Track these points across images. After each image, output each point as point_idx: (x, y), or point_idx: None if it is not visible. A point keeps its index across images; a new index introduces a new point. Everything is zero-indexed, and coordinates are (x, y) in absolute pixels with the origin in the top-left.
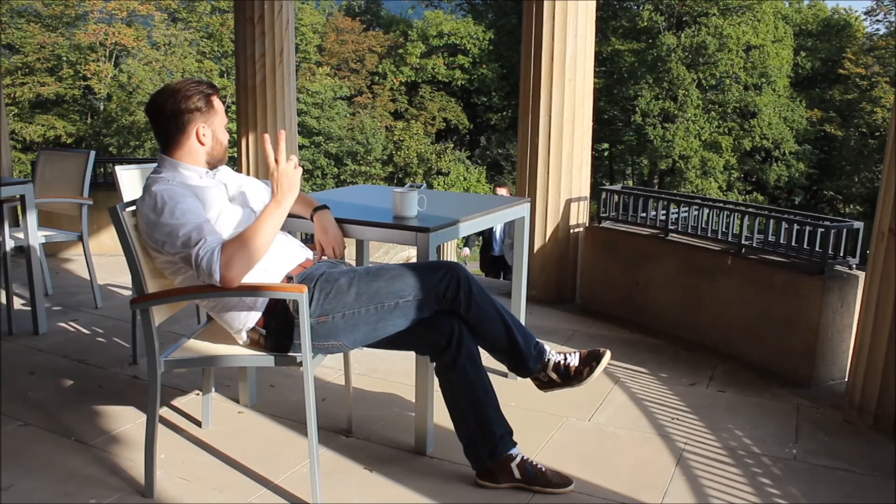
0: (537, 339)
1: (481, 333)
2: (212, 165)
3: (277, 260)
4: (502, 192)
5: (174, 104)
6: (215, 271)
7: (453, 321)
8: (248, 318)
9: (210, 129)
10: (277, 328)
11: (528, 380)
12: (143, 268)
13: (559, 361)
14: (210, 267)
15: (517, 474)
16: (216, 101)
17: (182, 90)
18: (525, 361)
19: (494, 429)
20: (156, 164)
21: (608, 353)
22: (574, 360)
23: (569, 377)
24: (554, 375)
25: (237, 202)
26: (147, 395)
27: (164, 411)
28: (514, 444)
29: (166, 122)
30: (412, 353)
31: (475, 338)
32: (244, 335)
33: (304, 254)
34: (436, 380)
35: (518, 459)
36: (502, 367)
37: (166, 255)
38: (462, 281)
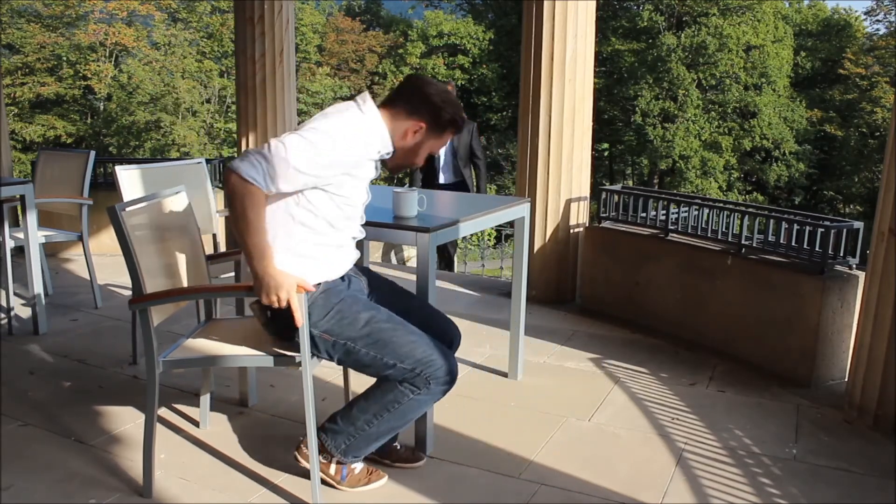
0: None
1: None
2: (390, 159)
3: (347, 245)
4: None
5: (434, 97)
6: (241, 172)
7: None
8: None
9: (421, 139)
10: (287, 313)
11: (526, 381)
12: (141, 268)
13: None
14: (248, 166)
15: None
16: (446, 135)
17: (452, 101)
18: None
19: (374, 445)
20: (341, 105)
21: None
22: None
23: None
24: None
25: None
26: (146, 395)
27: (163, 411)
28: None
29: (414, 97)
30: None
31: None
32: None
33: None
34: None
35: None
36: (502, 367)
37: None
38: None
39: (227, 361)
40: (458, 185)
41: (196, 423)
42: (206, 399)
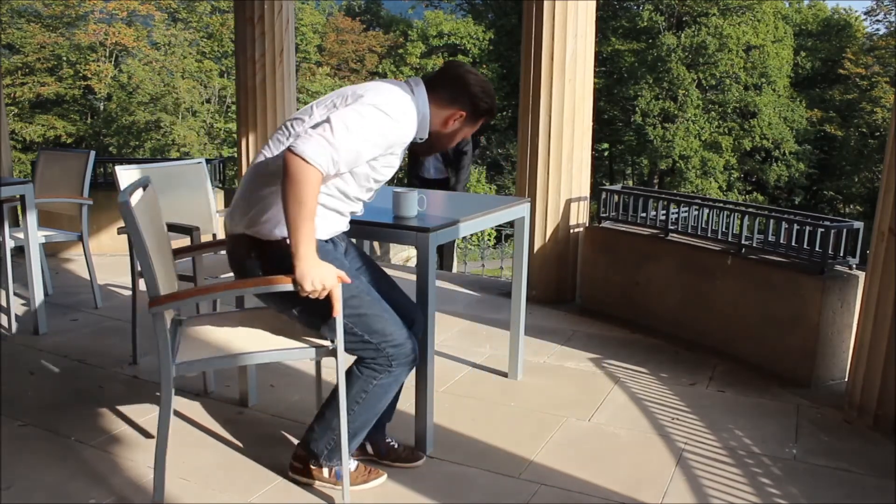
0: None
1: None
2: (422, 143)
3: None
4: None
5: (475, 86)
6: (302, 152)
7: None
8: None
9: (459, 126)
10: (318, 302)
11: (526, 381)
12: (156, 268)
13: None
14: (315, 151)
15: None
16: (479, 123)
17: (490, 91)
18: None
19: (356, 440)
20: (396, 82)
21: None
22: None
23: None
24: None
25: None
26: (160, 401)
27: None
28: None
29: (456, 85)
30: None
31: None
32: (277, 232)
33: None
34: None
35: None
36: (502, 367)
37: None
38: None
39: (259, 358)
40: (443, 183)
41: (196, 424)
42: (206, 399)
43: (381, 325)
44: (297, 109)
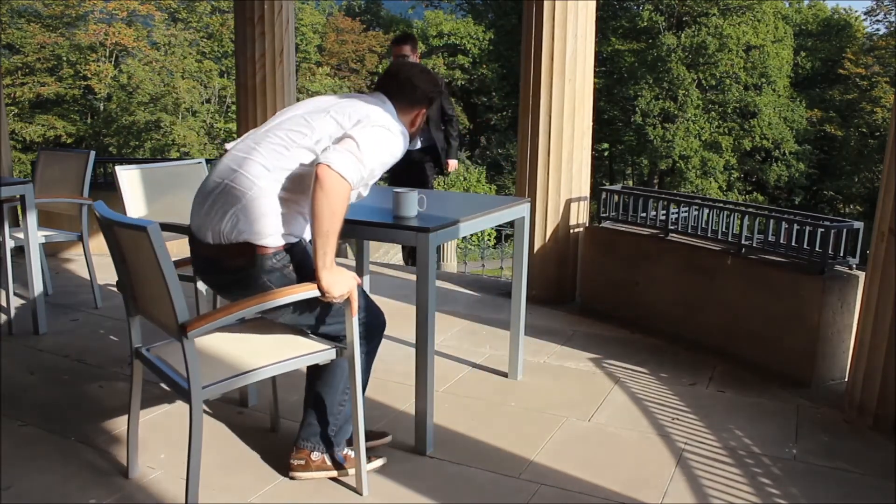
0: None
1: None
2: None
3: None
4: None
5: (423, 84)
6: (336, 166)
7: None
8: (288, 226)
9: (422, 118)
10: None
11: (526, 381)
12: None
13: (342, 453)
14: (340, 166)
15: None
16: (434, 105)
17: (432, 78)
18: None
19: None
20: (373, 99)
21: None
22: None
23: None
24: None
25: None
26: (191, 427)
27: (162, 411)
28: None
29: (407, 89)
30: (411, 354)
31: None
32: (275, 239)
33: None
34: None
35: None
36: (502, 367)
37: (327, 137)
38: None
39: (280, 368)
40: (429, 150)
41: None
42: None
43: (362, 300)
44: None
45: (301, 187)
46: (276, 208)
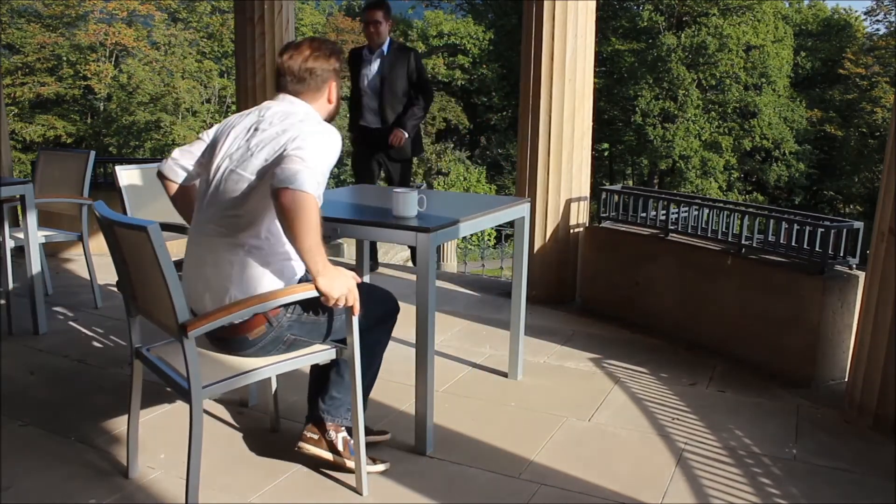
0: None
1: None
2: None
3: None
4: None
5: (320, 62)
6: (299, 186)
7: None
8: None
9: (338, 88)
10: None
11: (526, 381)
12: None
13: (343, 438)
14: (303, 183)
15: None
16: (339, 64)
17: (324, 47)
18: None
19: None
20: (281, 104)
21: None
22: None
23: (335, 453)
24: (321, 443)
25: None
26: (191, 427)
27: (162, 411)
28: None
29: (304, 74)
30: (411, 354)
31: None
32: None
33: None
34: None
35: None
36: (502, 367)
37: (275, 162)
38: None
39: (280, 368)
40: (385, 131)
41: None
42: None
43: (371, 293)
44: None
45: (268, 232)
46: (263, 270)
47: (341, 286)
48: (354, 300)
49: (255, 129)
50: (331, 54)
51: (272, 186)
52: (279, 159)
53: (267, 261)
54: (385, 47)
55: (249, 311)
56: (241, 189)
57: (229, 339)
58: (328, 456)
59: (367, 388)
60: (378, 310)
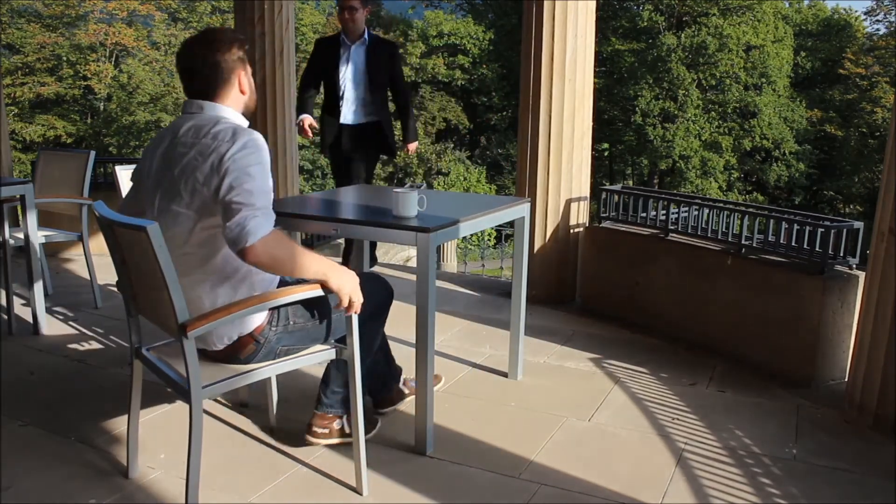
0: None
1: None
2: (247, 117)
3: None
4: None
5: (224, 54)
6: (253, 236)
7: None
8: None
9: (246, 76)
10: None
11: (526, 381)
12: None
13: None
14: (255, 230)
15: (407, 391)
16: (246, 57)
17: (220, 39)
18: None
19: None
20: (193, 118)
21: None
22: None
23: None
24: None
25: None
26: (191, 430)
27: (162, 411)
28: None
29: (207, 70)
30: (412, 354)
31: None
32: (258, 314)
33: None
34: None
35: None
36: (502, 367)
37: (213, 202)
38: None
39: (279, 368)
40: (373, 128)
41: None
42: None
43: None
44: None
45: (225, 260)
46: (239, 293)
47: (351, 282)
48: (359, 297)
49: (175, 156)
50: (232, 42)
51: (231, 247)
52: (219, 204)
53: (238, 286)
54: (366, 36)
55: (250, 310)
56: (183, 226)
57: (221, 360)
58: (338, 441)
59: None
60: (368, 305)
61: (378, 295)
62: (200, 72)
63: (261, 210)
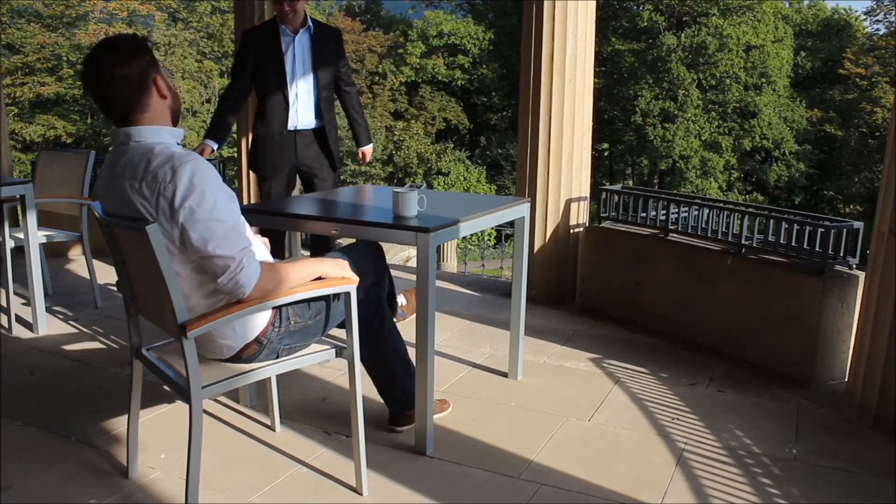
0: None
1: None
2: (175, 122)
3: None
4: None
5: (120, 66)
6: (248, 287)
7: (378, 291)
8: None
9: (164, 79)
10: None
11: (526, 381)
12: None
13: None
14: (248, 281)
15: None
16: (155, 62)
17: (123, 47)
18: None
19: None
20: (119, 143)
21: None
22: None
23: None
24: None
25: None
26: (190, 430)
27: (161, 411)
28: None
29: (117, 85)
30: (412, 354)
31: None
32: (259, 320)
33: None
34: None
35: None
36: (502, 367)
37: (188, 256)
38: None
39: (279, 368)
40: (319, 133)
41: None
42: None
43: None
44: None
45: (207, 295)
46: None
47: (339, 266)
48: (353, 276)
49: (123, 201)
50: (134, 49)
51: (229, 298)
52: (195, 255)
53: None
54: (310, 23)
55: (250, 310)
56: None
57: (222, 360)
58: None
59: (390, 378)
60: (366, 276)
61: (368, 262)
62: (113, 90)
63: (243, 254)
